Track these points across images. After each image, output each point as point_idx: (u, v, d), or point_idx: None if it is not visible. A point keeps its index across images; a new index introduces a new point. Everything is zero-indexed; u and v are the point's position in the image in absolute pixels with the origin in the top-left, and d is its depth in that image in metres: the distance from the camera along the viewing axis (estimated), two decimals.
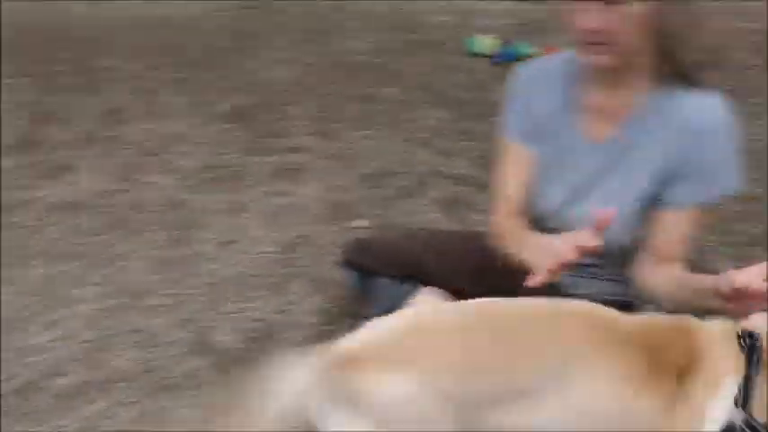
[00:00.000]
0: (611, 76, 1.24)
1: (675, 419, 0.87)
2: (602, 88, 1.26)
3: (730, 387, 0.87)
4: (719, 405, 0.87)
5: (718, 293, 1.01)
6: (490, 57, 3.40)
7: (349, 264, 1.70)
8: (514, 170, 1.37)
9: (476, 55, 3.47)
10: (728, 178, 1.24)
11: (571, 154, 1.29)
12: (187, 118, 3.04)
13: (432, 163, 2.50)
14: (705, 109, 1.23)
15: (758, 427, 0.83)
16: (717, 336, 0.92)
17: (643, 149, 1.24)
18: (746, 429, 0.84)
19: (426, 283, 1.56)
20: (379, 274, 1.62)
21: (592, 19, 1.14)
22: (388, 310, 1.44)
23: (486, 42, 3.46)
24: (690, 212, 1.23)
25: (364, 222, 2.22)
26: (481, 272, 1.37)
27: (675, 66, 1.24)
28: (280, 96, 3.13)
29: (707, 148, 1.21)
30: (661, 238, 1.23)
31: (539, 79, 1.36)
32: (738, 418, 0.85)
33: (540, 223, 1.34)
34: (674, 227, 1.23)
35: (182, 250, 2.24)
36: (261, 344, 1.83)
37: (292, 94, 3.15)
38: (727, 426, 0.85)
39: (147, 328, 1.89)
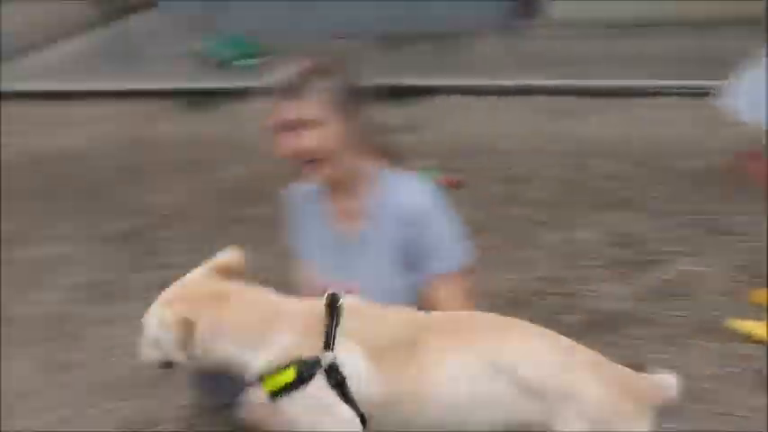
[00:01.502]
0: (339, 185, 1.59)
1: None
2: (337, 195, 1.62)
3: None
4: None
5: None
6: None
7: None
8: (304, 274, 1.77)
9: None
10: (454, 251, 1.58)
11: (332, 251, 1.68)
12: (73, 241, 3.35)
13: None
14: (414, 194, 1.57)
15: (338, 366, 1.29)
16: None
17: (378, 243, 1.59)
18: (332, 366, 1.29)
19: None
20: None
21: (292, 142, 1.49)
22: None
23: None
24: (447, 278, 1.57)
25: None
26: None
27: (389, 159, 1.63)
28: (163, 219, 3.51)
29: (424, 230, 1.55)
30: (438, 298, 1.57)
31: (298, 198, 1.74)
32: (329, 357, 1.29)
33: None
34: (443, 290, 1.57)
35: (64, 357, 2.51)
36: None
37: (170, 218, 3.54)
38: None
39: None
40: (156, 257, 3.17)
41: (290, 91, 1.49)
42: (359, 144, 1.56)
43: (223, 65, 5.73)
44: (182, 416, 2.20)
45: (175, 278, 1.51)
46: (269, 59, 5.23)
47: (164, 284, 2.85)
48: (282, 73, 1.53)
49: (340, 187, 1.61)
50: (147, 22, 7.79)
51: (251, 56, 5.73)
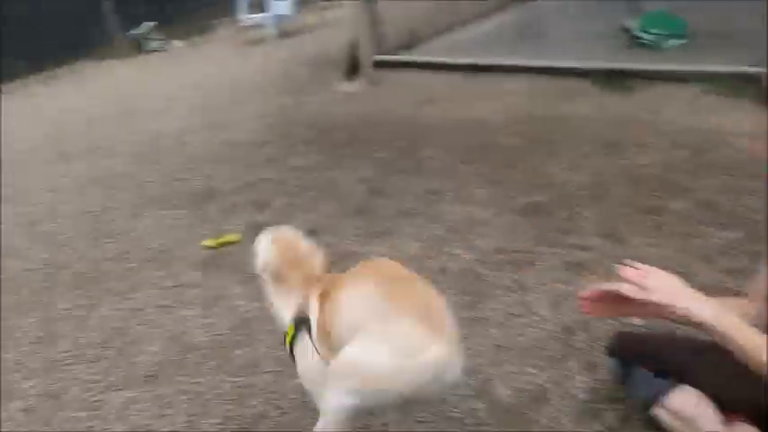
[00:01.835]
0: None
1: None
2: None
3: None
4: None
5: None
6: None
7: (612, 353, 2.03)
8: None
9: None
10: None
11: None
12: (487, 206, 3.54)
13: (714, 278, 2.63)
14: None
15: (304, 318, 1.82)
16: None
17: None
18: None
19: (687, 383, 1.79)
20: (638, 365, 1.92)
21: None
22: (645, 398, 1.78)
23: None
24: None
25: (637, 319, 2.44)
26: (744, 384, 1.48)
27: None
28: (571, 198, 3.49)
29: None
30: None
31: None
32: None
33: None
34: None
35: (473, 313, 2.68)
36: (535, 404, 2.16)
37: (583, 197, 3.49)
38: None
39: None
40: (566, 236, 3.17)
41: None
42: None
43: (647, 45, 5.46)
44: (582, 397, 2.17)
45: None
46: (695, 41, 4.81)
47: (571, 263, 2.89)
48: None
49: None
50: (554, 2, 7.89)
51: (678, 36, 5.34)
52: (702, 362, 1.74)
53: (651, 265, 1.52)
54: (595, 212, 3.33)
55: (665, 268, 1.51)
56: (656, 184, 3.53)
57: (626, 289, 1.48)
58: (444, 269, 3.07)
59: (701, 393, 1.75)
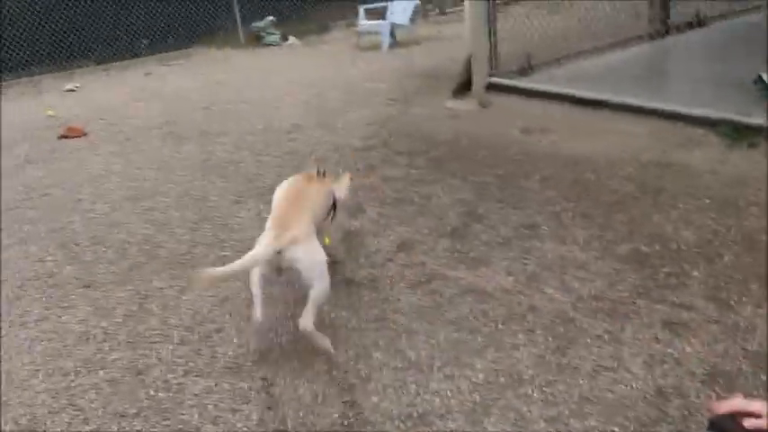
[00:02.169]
0: None
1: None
2: None
3: None
4: None
5: None
6: None
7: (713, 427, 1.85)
8: None
9: None
10: None
11: None
12: (586, 249, 3.41)
13: None
14: None
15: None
16: None
17: None
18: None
19: None
20: None
21: None
22: None
23: None
24: None
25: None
26: None
27: None
28: (679, 254, 3.31)
29: None
30: None
31: None
32: None
33: None
34: None
35: (561, 359, 2.59)
36: None
37: (691, 254, 3.31)
38: None
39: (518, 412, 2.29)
40: (670, 293, 3.01)
41: None
42: None
43: None
44: None
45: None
46: None
47: (672, 322, 2.74)
48: None
49: None
50: (696, 41, 7.55)
51: None
52: None
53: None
54: (704, 272, 3.15)
55: None
56: None
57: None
58: (535, 308, 2.98)
59: None
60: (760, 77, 5.43)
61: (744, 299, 2.94)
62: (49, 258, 3.92)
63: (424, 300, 3.13)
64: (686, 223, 3.64)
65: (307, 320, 2.62)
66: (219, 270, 2.61)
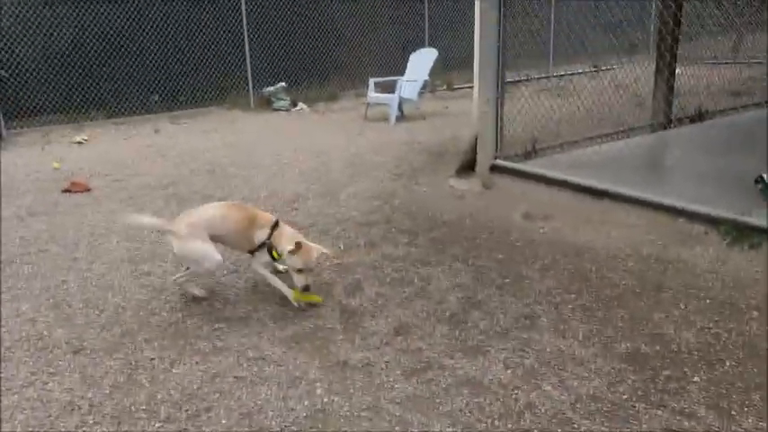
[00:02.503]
0: None
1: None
2: None
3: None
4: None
5: None
6: None
7: None
8: None
9: None
10: None
11: None
12: (586, 344, 3.37)
13: None
14: None
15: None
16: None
17: None
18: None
19: None
20: None
21: None
22: None
23: None
24: None
25: None
26: None
27: None
28: (680, 357, 3.27)
29: None
30: None
31: None
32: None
33: None
34: None
35: None
36: None
37: (693, 358, 3.27)
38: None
39: None
40: (670, 398, 2.96)
41: None
42: None
43: None
44: None
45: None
46: None
47: (672, 430, 2.68)
48: None
49: None
50: (698, 132, 7.70)
51: None
52: None
53: None
54: (705, 379, 3.10)
55: None
56: None
57: None
58: (532, 406, 2.92)
59: None
60: (762, 177, 5.49)
61: (745, 409, 2.89)
62: (41, 319, 3.86)
63: (420, 389, 3.07)
64: (687, 324, 3.61)
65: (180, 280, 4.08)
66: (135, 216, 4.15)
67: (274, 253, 3.90)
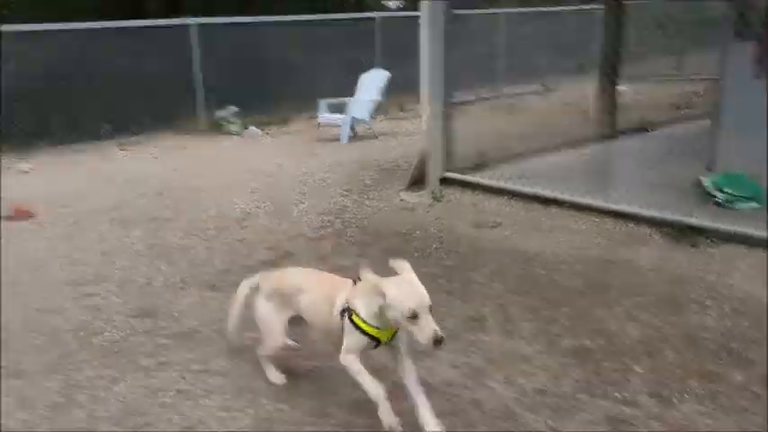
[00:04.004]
0: None
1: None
2: None
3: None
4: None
5: None
6: None
7: None
8: None
9: None
10: None
11: None
12: (532, 342, 3.43)
13: None
14: None
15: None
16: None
17: None
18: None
19: None
20: None
21: None
22: None
23: None
24: None
25: None
26: None
27: None
28: (622, 350, 3.35)
29: None
30: None
31: None
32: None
33: None
34: None
35: None
36: None
37: (634, 351, 3.35)
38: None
39: None
40: (612, 388, 3.03)
41: None
42: None
43: (720, 204, 5.39)
44: None
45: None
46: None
47: (615, 418, 2.73)
48: None
49: None
50: (641, 143, 7.97)
51: (754, 200, 5.27)
52: None
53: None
54: (646, 369, 3.18)
55: None
56: (713, 351, 3.36)
57: None
58: (478, 402, 2.95)
59: None
60: (699, 181, 5.70)
61: (685, 395, 2.97)
62: None
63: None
64: (630, 319, 3.71)
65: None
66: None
67: (357, 320, 2.76)
